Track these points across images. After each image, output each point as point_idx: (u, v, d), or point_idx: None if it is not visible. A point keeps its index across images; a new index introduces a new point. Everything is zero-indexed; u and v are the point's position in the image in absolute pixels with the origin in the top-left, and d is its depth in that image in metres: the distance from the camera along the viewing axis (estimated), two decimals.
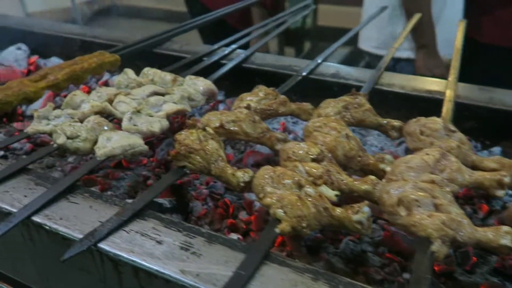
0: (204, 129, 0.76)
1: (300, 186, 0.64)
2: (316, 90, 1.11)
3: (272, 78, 1.17)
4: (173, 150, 0.73)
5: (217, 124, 0.80)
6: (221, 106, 1.23)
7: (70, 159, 1.02)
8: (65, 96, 1.31)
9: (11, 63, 1.40)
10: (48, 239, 0.63)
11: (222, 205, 0.83)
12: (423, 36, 1.84)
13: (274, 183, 0.65)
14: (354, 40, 1.93)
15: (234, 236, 0.76)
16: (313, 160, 0.71)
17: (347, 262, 0.72)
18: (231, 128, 0.80)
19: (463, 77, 1.05)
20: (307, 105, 0.92)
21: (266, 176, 0.66)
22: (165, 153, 1.01)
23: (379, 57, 2.02)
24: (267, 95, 0.92)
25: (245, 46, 1.36)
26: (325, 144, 0.75)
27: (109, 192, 0.89)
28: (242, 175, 0.69)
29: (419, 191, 0.62)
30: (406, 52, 1.94)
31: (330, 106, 0.87)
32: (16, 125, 1.17)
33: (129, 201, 0.80)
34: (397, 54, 1.95)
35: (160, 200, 0.81)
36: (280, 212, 0.60)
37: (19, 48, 1.45)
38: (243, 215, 0.82)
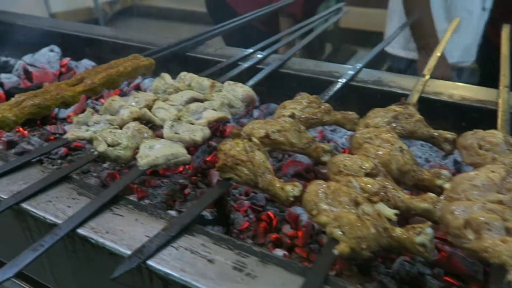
0: (249, 139, 0.73)
1: (356, 204, 0.60)
2: (358, 98, 1.06)
3: (310, 84, 1.13)
4: (219, 161, 0.70)
5: (262, 134, 0.76)
6: (256, 112, 1.20)
7: (105, 165, 1.00)
8: (96, 99, 1.30)
9: (43, 64, 1.40)
10: (94, 253, 0.60)
11: (265, 218, 0.79)
12: (423, 37, 1.79)
13: (328, 200, 0.61)
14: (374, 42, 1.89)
15: (279, 252, 0.73)
16: (367, 174, 0.67)
17: (400, 284, 0.67)
18: (277, 138, 0.76)
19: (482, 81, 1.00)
20: (352, 114, 0.88)
21: (319, 192, 0.62)
22: (201, 160, 0.98)
23: (394, 57, 1.98)
24: (311, 103, 0.89)
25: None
26: (378, 157, 0.71)
27: (146, 201, 0.87)
28: (292, 189, 0.66)
29: (488, 212, 0.57)
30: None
31: (379, 116, 0.82)
32: (50, 128, 1.16)
33: (172, 212, 0.77)
34: (410, 56, 1.91)
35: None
36: (337, 232, 0.57)
37: (51, 50, 1.44)
38: (286, 229, 0.79)
